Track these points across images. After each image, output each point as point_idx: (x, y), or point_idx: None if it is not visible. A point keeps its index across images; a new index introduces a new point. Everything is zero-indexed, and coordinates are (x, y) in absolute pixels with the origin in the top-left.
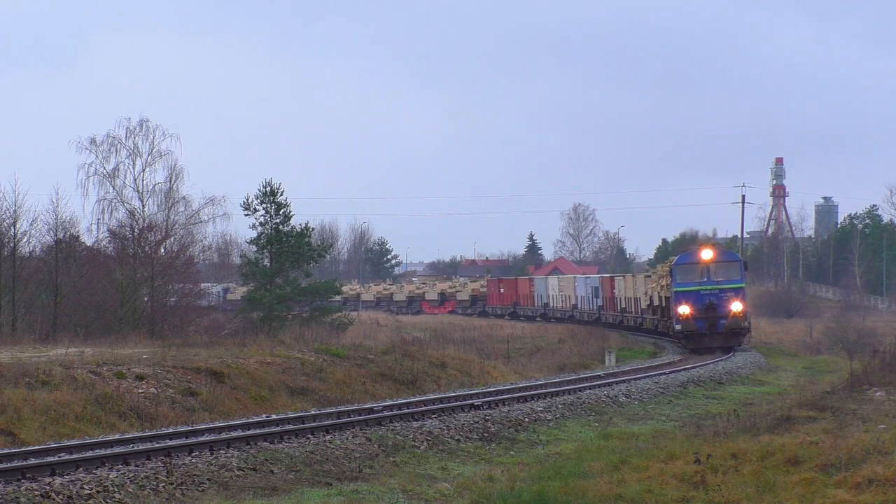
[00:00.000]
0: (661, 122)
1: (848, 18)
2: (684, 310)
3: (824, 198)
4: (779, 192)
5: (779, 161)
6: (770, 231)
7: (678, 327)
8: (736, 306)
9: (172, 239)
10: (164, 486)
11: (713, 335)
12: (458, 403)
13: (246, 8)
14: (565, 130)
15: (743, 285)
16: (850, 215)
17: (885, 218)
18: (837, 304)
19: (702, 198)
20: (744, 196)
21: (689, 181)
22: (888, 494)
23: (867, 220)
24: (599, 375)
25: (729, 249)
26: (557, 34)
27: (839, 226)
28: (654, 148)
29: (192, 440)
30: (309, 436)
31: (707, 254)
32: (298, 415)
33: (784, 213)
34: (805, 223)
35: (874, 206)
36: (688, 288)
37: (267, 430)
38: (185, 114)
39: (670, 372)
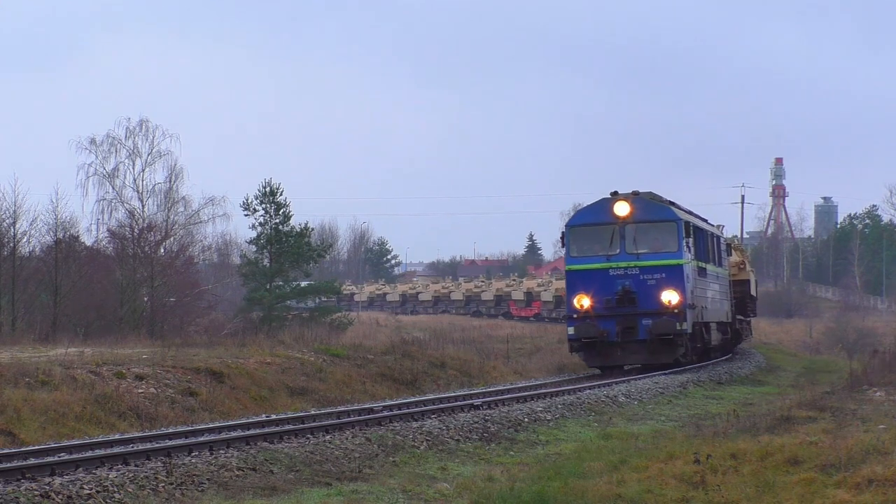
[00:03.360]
0: (662, 123)
1: (841, 21)
2: (581, 302)
3: (824, 198)
4: (778, 193)
5: (778, 161)
6: (770, 231)
7: (570, 331)
8: (669, 296)
9: (172, 239)
10: (163, 486)
11: (630, 345)
12: (458, 403)
13: (245, 10)
14: (567, 131)
15: (683, 261)
16: (849, 215)
17: (885, 218)
18: (837, 304)
19: (702, 198)
20: (743, 196)
21: (689, 181)
22: (888, 495)
23: (867, 221)
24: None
25: (660, 201)
26: (561, 38)
27: (839, 226)
28: (655, 148)
29: (192, 440)
30: (309, 436)
31: (622, 208)
32: (298, 415)
33: (784, 213)
34: (805, 223)
35: (874, 206)
36: (587, 265)
37: (267, 430)
38: (185, 114)
39: (669, 372)
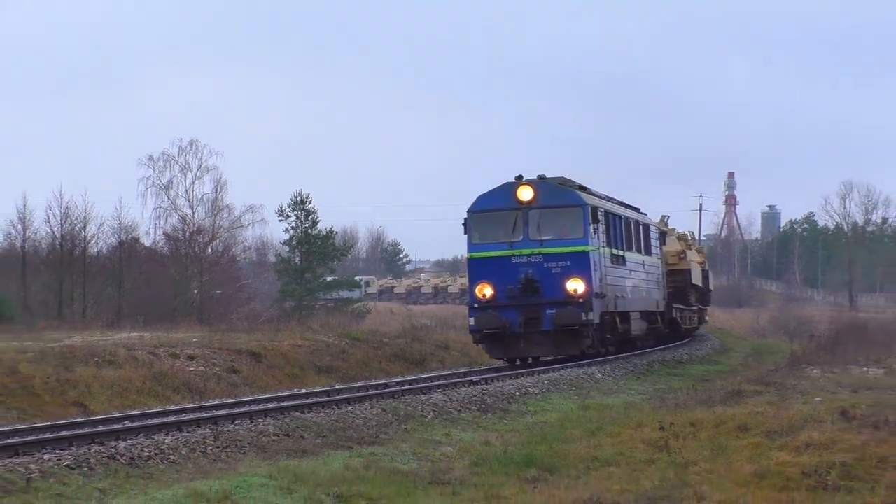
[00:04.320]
0: (635, 141)
1: (781, 58)
2: (483, 291)
3: (769, 205)
4: (730, 201)
5: (731, 175)
6: (723, 234)
7: (471, 322)
8: (574, 285)
9: (218, 241)
10: (211, 449)
11: (534, 336)
12: (460, 380)
13: (275, 44)
14: (555, 148)
15: (590, 248)
16: (791, 221)
17: (821, 223)
18: (780, 296)
19: (666, 206)
20: (701, 204)
21: (657, 191)
22: (822, 456)
23: (805, 225)
24: (577, 356)
25: (565, 185)
26: (551, 69)
27: (781, 229)
28: (630, 163)
29: (235, 410)
30: (333, 407)
31: (525, 193)
32: (325, 389)
33: (735, 218)
34: (753, 227)
35: (811, 212)
36: (490, 253)
37: (298, 402)
38: (229, 132)
39: (638, 354)
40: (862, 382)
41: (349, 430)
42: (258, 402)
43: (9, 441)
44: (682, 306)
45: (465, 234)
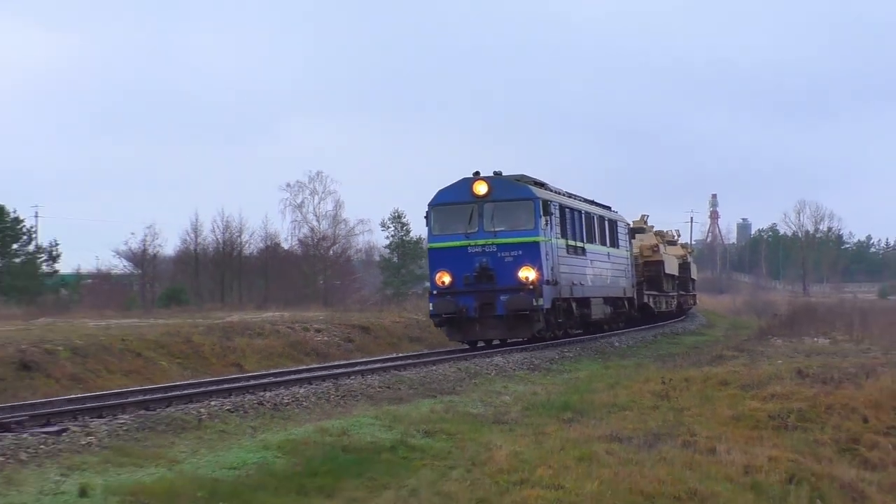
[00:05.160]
0: (635, 169)
1: (748, 107)
2: (442, 279)
3: (743, 218)
4: (714, 216)
5: (713, 196)
6: (708, 240)
7: (430, 307)
8: (526, 273)
9: (337, 245)
10: (332, 398)
11: (488, 321)
12: (514, 347)
13: (378, 95)
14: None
15: (540, 238)
16: (759, 230)
17: (781, 231)
18: (751, 285)
19: (665, 218)
20: (692, 218)
21: (660, 206)
22: (783, 404)
23: (770, 233)
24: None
25: (519, 181)
26: (559, 109)
27: (752, 236)
28: (630, 188)
29: (350, 369)
30: (422, 367)
31: (480, 187)
32: (416, 353)
33: (717, 228)
34: (730, 234)
35: (774, 223)
36: (448, 243)
37: (396, 363)
38: (345, 163)
39: (649, 328)
40: (812, 349)
41: (433, 383)
42: (367, 363)
43: (185, 392)
44: (655, 292)
45: (426, 225)
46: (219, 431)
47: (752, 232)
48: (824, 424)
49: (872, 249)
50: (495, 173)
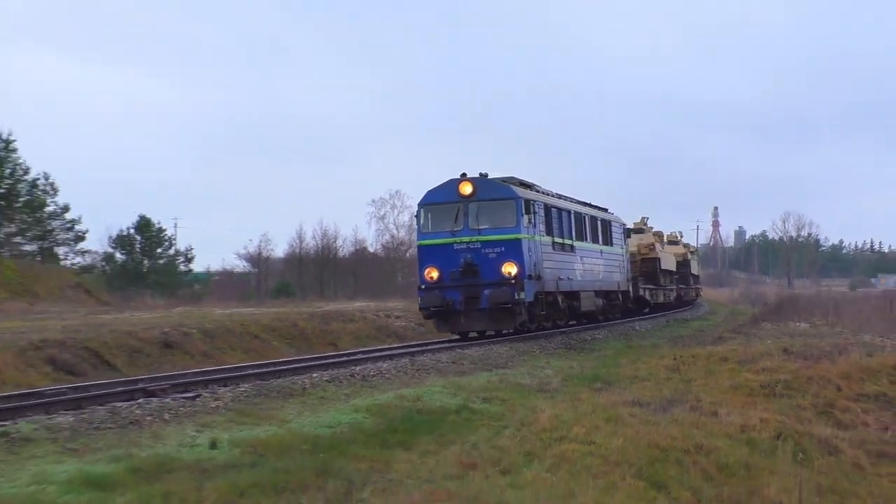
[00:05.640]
0: (653, 185)
1: (743, 133)
2: (430, 274)
3: (739, 226)
4: (715, 224)
5: (715, 208)
6: (711, 244)
7: (419, 301)
8: (508, 268)
9: (412, 249)
10: (409, 371)
11: (473, 313)
12: (554, 331)
13: (434, 122)
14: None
15: (522, 235)
16: (752, 235)
17: (770, 236)
18: (746, 280)
19: (676, 226)
20: (698, 226)
21: (669, 217)
22: (772, 375)
23: (761, 238)
24: (618, 317)
25: (504, 182)
26: (574, 132)
27: (746, 241)
28: (648, 201)
29: (423, 348)
30: (481, 346)
31: (466, 188)
32: (476, 337)
33: (718, 234)
34: (729, 239)
35: (765, 230)
36: (436, 240)
37: (461, 343)
38: (420, 182)
39: (659, 315)
40: (796, 332)
41: (490, 360)
42: (436, 343)
43: (292, 366)
44: (652, 286)
45: (416, 224)
46: (319, 397)
47: (747, 237)
48: (805, 392)
49: (844, 251)
50: (481, 174)
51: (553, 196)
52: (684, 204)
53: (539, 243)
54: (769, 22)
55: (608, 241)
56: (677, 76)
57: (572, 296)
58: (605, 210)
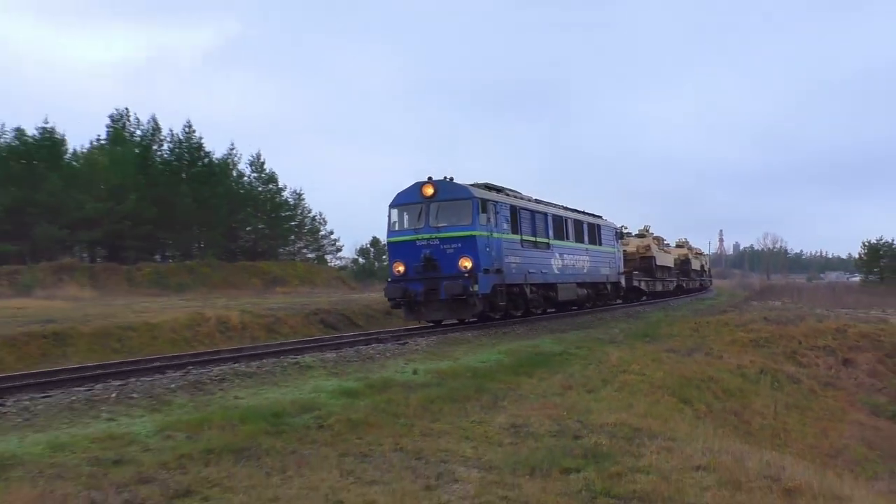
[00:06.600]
0: (680, 215)
1: (739, 186)
2: (398, 268)
3: (736, 241)
4: (720, 241)
5: (720, 231)
6: (718, 253)
7: (385, 292)
8: (464, 262)
9: None
10: (531, 330)
11: (433, 304)
12: (617, 306)
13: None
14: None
15: (477, 233)
16: (744, 248)
17: (756, 248)
18: (739, 275)
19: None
20: (709, 242)
21: (691, 238)
22: (757, 334)
23: (749, 249)
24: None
25: (463, 184)
26: (585, 156)
27: (740, 251)
28: (678, 225)
29: (541, 316)
30: (575, 317)
31: (428, 190)
32: (571, 309)
33: (722, 247)
34: (729, 249)
35: (752, 244)
36: (402, 238)
37: (561, 314)
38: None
39: (679, 296)
40: (772, 308)
41: (582, 324)
42: (549, 315)
43: (458, 329)
44: (648, 278)
45: (388, 223)
46: (478, 345)
47: (741, 248)
48: (778, 344)
49: (803, 256)
50: (445, 178)
51: (529, 201)
52: (700, 228)
53: (500, 240)
54: (755, 110)
55: (596, 240)
56: (689, 145)
57: (548, 287)
58: (599, 216)
